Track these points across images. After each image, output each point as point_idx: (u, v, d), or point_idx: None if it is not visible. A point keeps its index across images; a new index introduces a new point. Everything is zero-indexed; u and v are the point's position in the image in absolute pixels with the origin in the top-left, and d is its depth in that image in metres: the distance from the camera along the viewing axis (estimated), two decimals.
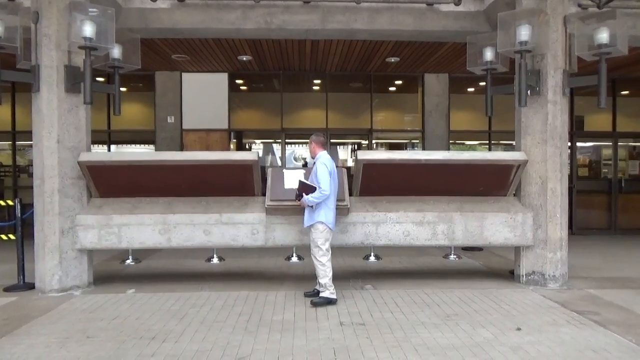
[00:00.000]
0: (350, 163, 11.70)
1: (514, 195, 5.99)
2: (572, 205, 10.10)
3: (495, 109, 6.02)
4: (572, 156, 10.55)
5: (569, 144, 7.65)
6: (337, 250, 5.22)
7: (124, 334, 4.09)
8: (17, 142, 10.43)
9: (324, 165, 4.88)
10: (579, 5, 6.03)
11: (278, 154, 10.92)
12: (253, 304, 5.05)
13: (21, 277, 5.79)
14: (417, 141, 10.91)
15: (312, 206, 4.84)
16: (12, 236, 6.36)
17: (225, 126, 10.29)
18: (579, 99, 10.63)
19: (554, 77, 5.67)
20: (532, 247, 5.78)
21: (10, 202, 6.53)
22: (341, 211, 5.40)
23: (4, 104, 9.46)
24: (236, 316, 4.60)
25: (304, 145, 11.60)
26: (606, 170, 10.99)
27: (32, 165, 5.75)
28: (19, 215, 5.90)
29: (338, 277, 5.31)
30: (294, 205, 5.22)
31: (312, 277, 5.48)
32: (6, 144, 10.52)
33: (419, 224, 5.68)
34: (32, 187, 5.64)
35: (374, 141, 10.67)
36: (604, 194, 10.77)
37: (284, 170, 5.66)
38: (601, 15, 5.18)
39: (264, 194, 5.71)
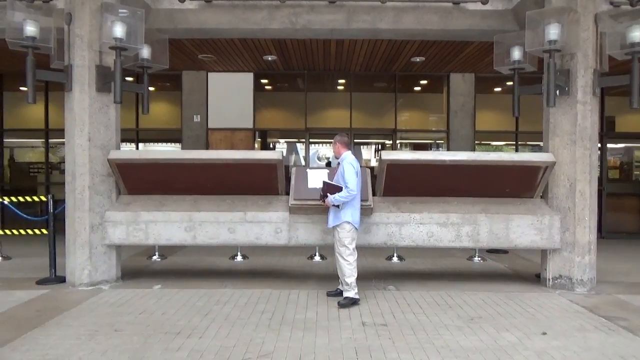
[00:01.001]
0: (373, 163, 11.65)
1: (541, 197, 5.90)
2: (602, 208, 9.84)
3: (523, 110, 5.94)
4: (602, 158, 10.28)
5: (599, 145, 7.47)
6: (359, 250, 5.19)
7: (150, 329, 4.14)
8: (50, 140, 10.68)
9: (350, 165, 4.88)
10: (611, 3, 5.88)
11: (302, 153, 10.94)
12: (276, 302, 5.06)
13: (53, 270, 5.93)
14: (442, 142, 10.80)
15: (337, 206, 4.83)
16: (44, 231, 6.51)
17: (250, 125, 10.33)
18: (610, 99, 10.36)
19: (584, 76, 5.54)
20: (559, 250, 5.68)
21: (43, 198, 6.68)
22: (365, 211, 5.38)
23: (38, 103, 9.70)
24: (259, 314, 4.62)
25: (328, 145, 11.56)
26: (638, 172, 10.66)
27: (64, 163, 5.88)
28: (51, 210, 6.04)
29: (361, 277, 5.30)
30: (318, 205, 5.22)
31: (335, 276, 5.47)
32: (39, 141, 10.77)
33: (442, 225, 5.63)
34: (63, 184, 5.75)
35: (398, 141, 10.60)
36: (635, 196, 10.45)
37: (308, 170, 5.69)
38: (634, 13, 5.04)
39: (287, 193, 5.73)
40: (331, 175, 5.39)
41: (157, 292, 5.43)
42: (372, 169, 8.10)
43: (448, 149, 10.20)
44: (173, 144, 10.84)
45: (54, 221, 6.04)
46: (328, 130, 10.37)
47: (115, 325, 4.24)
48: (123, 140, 6.52)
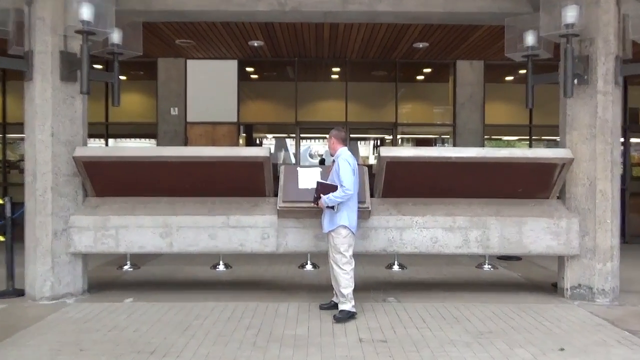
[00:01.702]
0: (372, 161, 11.68)
1: (558, 197, 5.92)
2: (625, 210, 9.88)
3: (537, 101, 5.95)
4: (625, 153, 10.32)
5: (622, 139, 7.60)
6: (356, 258, 5.20)
7: (120, 348, 4.11)
8: (7, 135, 10.60)
9: (346, 162, 4.90)
10: None
11: (292, 150, 10.98)
12: (263, 316, 5.05)
13: (10, 282, 5.86)
14: (448, 136, 10.86)
15: (332, 207, 4.84)
16: (1, 238, 6.42)
17: (234, 119, 10.33)
18: (634, 88, 10.41)
19: (605, 64, 5.57)
20: (578, 256, 5.70)
21: (0, 201, 6.64)
22: (362, 214, 5.36)
23: None
24: (244, 330, 4.61)
25: (321, 140, 11.67)
26: None
27: (23, 161, 5.84)
28: (9, 215, 5.96)
29: (357, 288, 5.24)
30: (309, 208, 5.23)
31: (328, 287, 5.46)
32: None
33: (449, 229, 5.66)
34: (23, 185, 5.71)
35: (399, 136, 10.65)
36: None
37: (299, 169, 5.70)
38: None
39: (275, 195, 5.72)
40: (325, 175, 5.38)
41: (129, 306, 5.40)
42: (370, 167, 8.10)
43: (454, 145, 10.26)
44: (147, 140, 10.86)
45: (12, 227, 5.98)
46: (321, 124, 10.38)
47: (81, 344, 4.20)
48: (91, 136, 6.47)
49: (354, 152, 10.28)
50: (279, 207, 5.45)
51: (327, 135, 5.19)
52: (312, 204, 5.06)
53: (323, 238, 5.40)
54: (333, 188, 4.88)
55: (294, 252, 5.71)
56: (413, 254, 5.81)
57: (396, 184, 5.68)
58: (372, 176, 6.06)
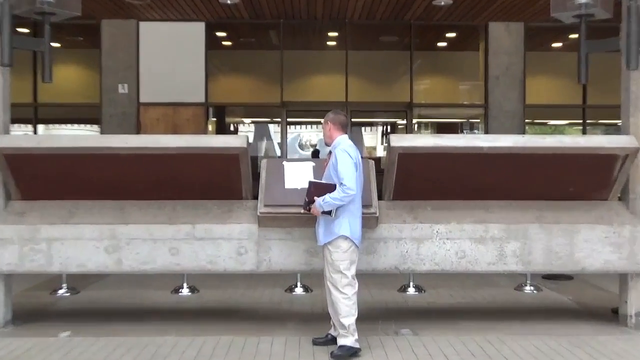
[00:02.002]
0: (380, 153, 11.68)
1: (619, 198, 5.91)
2: None
3: (593, 74, 5.92)
4: None
5: None
6: (360, 278, 5.16)
7: None
8: None
9: (346, 154, 4.87)
10: None
11: (276, 139, 10.91)
12: (239, 354, 4.99)
13: None
14: (478, 121, 10.89)
15: (329, 213, 4.82)
16: None
17: (201, 99, 10.29)
18: None
19: None
20: None
21: None
22: (367, 221, 5.32)
23: None
24: None
25: (314, 126, 11.74)
26: None
27: None
28: None
29: (362, 317, 5.20)
30: (299, 214, 5.18)
31: (324, 316, 5.41)
32: None
33: (479, 240, 5.64)
34: None
35: (414, 121, 10.61)
36: None
37: (285, 163, 5.67)
38: None
39: (255, 197, 5.69)
40: (319, 170, 5.36)
41: (65, 343, 5.32)
42: (377, 160, 8.26)
43: (486, 132, 10.21)
44: (89, 126, 10.87)
45: None
46: (314, 106, 10.43)
47: None
48: (14, 121, 6.45)
49: (357, 141, 9.97)
50: (260, 213, 5.41)
51: (322, 120, 5.16)
52: (303, 210, 5.03)
53: (318, 253, 5.36)
54: (330, 188, 4.85)
55: (280, 271, 5.67)
56: (433, 273, 5.77)
57: (411, 182, 5.66)
58: (380, 172, 6.00)
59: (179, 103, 10.30)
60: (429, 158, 5.51)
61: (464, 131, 11.06)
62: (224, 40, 10.85)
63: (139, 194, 5.70)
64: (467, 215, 5.71)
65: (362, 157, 5.16)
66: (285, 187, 5.47)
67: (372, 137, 12.23)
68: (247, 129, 11.48)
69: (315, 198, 4.85)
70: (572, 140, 5.76)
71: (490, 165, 5.57)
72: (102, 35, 10.32)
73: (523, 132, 10.18)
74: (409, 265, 5.64)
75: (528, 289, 7.54)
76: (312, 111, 10.89)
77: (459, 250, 5.64)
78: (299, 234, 5.53)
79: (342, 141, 5.03)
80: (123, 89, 10.22)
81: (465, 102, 11.00)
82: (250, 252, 5.57)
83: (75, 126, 11.14)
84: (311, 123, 11.87)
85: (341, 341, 4.91)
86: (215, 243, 5.57)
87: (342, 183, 4.77)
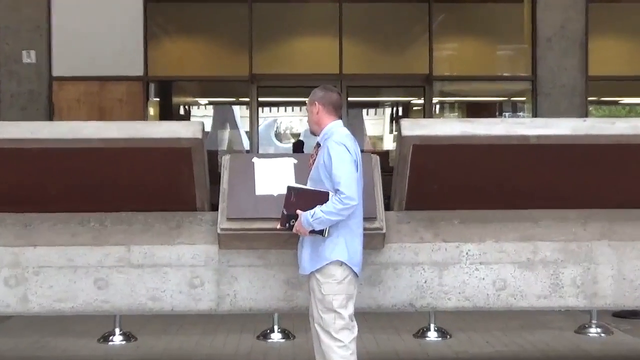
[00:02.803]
0: (387, 145, 11.07)
1: None
2: None
3: None
4: None
5: None
6: (360, 317, 4.60)
7: None
8: None
9: (342, 148, 4.26)
10: None
11: (244, 126, 10.39)
12: None
13: None
14: (522, 99, 10.26)
15: (322, 233, 4.20)
16: None
17: (139, 71, 9.69)
18: None
19: None
20: None
21: None
22: (371, 240, 4.70)
23: None
24: None
25: (298, 109, 11.13)
26: None
27: None
28: None
29: None
30: (275, 230, 4.51)
31: None
32: None
33: (525, 265, 4.98)
34: None
35: (435, 100, 10.06)
36: None
37: (256, 160, 5.05)
38: None
39: (215, 207, 5.05)
40: (303, 171, 4.74)
41: None
42: (384, 156, 7.76)
43: (535, 115, 9.63)
44: None
45: None
46: (295, 80, 9.55)
47: None
48: None
49: (356, 129, 9.53)
50: (221, 229, 4.74)
51: (307, 100, 4.60)
52: (281, 226, 4.37)
53: (302, 284, 4.73)
54: (320, 196, 4.21)
55: (250, 310, 5.02)
56: (462, 311, 5.22)
57: (431, 185, 5.05)
58: (387, 173, 5.57)
59: (107, 77, 9.46)
60: (455, 152, 4.87)
61: (504, 114, 10.36)
62: None
63: (52, 205, 5.08)
64: (507, 231, 5.10)
65: (362, 152, 4.72)
66: (257, 193, 4.85)
67: (376, 124, 11.48)
68: (202, 113, 10.92)
69: (300, 212, 4.20)
70: None
71: (539, 161, 4.93)
72: None
73: (585, 115, 9.38)
74: (428, 300, 5.03)
75: (593, 331, 6.87)
76: (292, 88, 10.11)
77: (498, 279, 4.99)
78: (275, 259, 4.92)
79: (336, 130, 4.38)
80: (29, 57, 9.34)
81: (505, 74, 10.30)
82: (207, 284, 4.94)
83: None
84: (292, 104, 11.29)
85: None
86: (159, 272, 4.93)
87: (338, 190, 4.13)
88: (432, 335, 6.63)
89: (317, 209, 4.09)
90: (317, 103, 4.42)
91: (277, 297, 4.96)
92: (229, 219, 4.70)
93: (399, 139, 4.98)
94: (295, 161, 4.96)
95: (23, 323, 7.09)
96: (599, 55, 9.59)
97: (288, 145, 11.39)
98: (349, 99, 9.75)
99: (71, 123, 6.17)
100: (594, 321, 6.80)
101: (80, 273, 4.86)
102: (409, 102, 10.89)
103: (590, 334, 6.74)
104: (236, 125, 10.52)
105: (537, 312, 6.32)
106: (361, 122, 10.89)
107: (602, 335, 6.73)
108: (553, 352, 6.35)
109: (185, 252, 4.89)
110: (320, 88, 4.53)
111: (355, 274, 4.27)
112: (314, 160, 4.44)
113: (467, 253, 4.93)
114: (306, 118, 4.71)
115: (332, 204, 4.09)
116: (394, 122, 10.98)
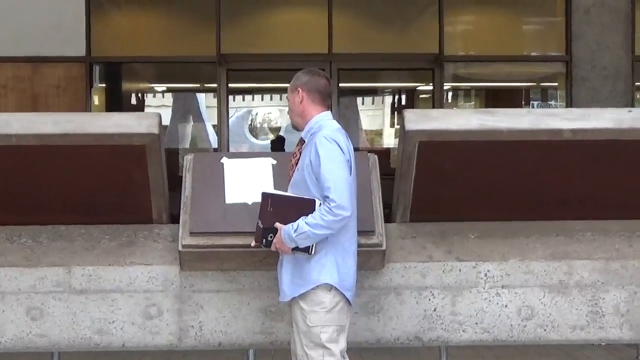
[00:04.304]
0: (389, 142, 10.83)
1: None
2: None
3: None
4: None
5: None
6: (355, 353, 4.44)
7: None
8: None
9: (333, 146, 4.00)
10: None
11: (210, 118, 9.99)
12: None
13: None
14: (554, 85, 9.78)
15: (307, 250, 3.97)
16: None
17: (80, 51, 9.12)
18: None
19: None
20: None
21: None
22: (368, 259, 4.50)
23: None
24: None
25: (278, 97, 10.93)
26: None
27: None
28: None
29: None
30: (249, 248, 4.21)
31: None
32: None
33: (557, 289, 4.74)
34: None
35: (445, 85, 9.51)
36: None
37: (225, 160, 4.86)
38: None
39: (175, 219, 4.83)
40: (283, 174, 4.49)
41: None
42: (383, 154, 8.26)
43: (570, 104, 9.13)
44: None
45: None
46: (273, 62, 9.23)
47: None
48: None
49: (349, 122, 9.47)
50: (183, 246, 4.46)
51: (288, 87, 4.28)
52: (256, 243, 4.06)
53: (283, 314, 4.55)
54: (304, 206, 3.96)
55: (219, 345, 4.74)
56: (480, 345, 4.93)
57: (441, 191, 4.84)
58: (388, 176, 5.30)
59: (40, 58, 8.91)
60: (471, 150, 4.62)
61: (532, 103, 10.06)
62: None
63: None
64: (536, 247, 4.85)
65: (356, 150, 4.48)
66: (227, 201, 4.60)
67: (374, 115, 11.26)
68: (159, 102, 10.52)
69: (279, 225, 3.92)
70: None
71: (575, 161, 4.68)
72: None
73: (631, 104, 8.96)
74: (439, 332, 4.81)
75: None
76: (270, 71, 9.69)
77: (524, 306, 4.77)
78: (249, 283, 4.69)
79: (324, 123, 4.11)
80: None
81: (532, 54, 9.74)
82: (166, 313, 4.69)
83: None
84: (269, 91, 11.07)
85: None
86: (107, 299, 4.67)
87: (327, 197, 3.87)
88: None
89: (301, 221, 3.77)
90: (300, 90, 4.09)
91: (252, 330, 4.72)
92: (193, 234, 4.42)
93: (402, 134, 4.70)
94: (274, 162, 4.75)
95: None
96: None
97: (265, 142, 11.24)
98: (340, 84, 9.29)
99: None
100: None
101: (9, 300, 4.59)
102: (414, 88, 10.58)
103: None
104: (201, 117, 10.17)
105: (572, 346, 6.07)
106: (355, 114, 10.60)
107: None
108: None
109: (138, 275, 4.63)
110: (304, 71, 4.23)
111: (348, 301, 3.98)
112: (297, 160, 4.11)
113: (485, 274, 4.71)
114: (287, 109, 4.36)
115: (319, 215, 3.77)
116: (395, 113, 10.79)
